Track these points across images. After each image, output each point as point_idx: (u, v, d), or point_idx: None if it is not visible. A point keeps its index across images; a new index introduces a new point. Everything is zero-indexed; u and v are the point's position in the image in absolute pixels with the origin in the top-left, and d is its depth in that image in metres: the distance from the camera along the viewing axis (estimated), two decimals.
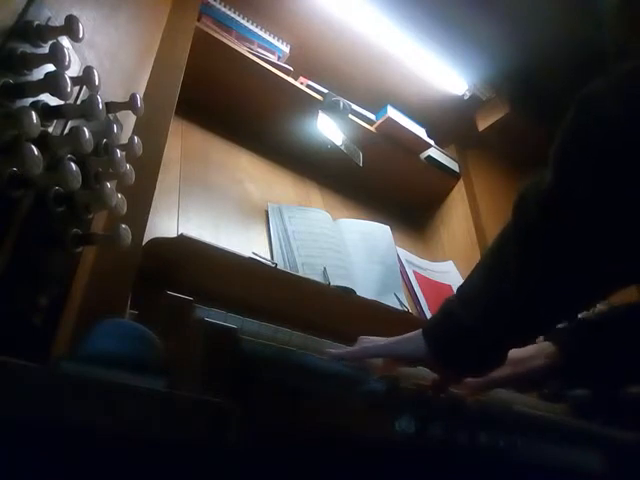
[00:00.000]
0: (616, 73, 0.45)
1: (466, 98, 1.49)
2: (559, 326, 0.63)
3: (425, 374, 0.86)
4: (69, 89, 0.45)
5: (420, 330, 0.60)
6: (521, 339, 0.57)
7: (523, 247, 0.51)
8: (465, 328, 0.54)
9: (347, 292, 0.96)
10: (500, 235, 0.55)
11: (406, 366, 0.65)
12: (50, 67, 0.46)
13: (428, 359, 0.59)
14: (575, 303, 0.53)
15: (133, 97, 0.57)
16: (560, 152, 0.48)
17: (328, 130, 1.26)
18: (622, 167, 0.43)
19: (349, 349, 0.65)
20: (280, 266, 0.93)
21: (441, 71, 1.42)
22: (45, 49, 0.47)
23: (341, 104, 1.27)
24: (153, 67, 0.87)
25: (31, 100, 0.45)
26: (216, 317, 0.60)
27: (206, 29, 1.11)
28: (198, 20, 1.11)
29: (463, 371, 0.60)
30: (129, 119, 0.71)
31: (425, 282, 1.30)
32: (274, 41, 1.32)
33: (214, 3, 1.22)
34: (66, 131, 0.51)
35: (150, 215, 0.73)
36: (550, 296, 0.51)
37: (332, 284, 0.96)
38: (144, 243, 0.71)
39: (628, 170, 0.43)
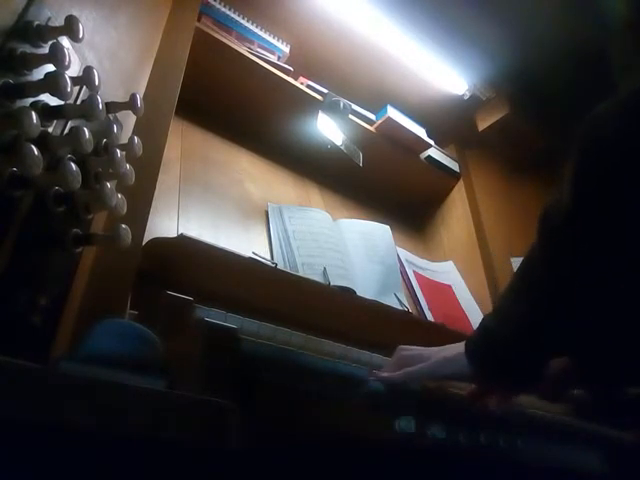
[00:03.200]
0: (625, 93, 0.47)
1: (466, 98, 1.50)
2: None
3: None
4: (69, 89, 0.45)
5: (461, 349, 0.61)
6: (555, 349, 0.58)
7: (548, 263, 0.54)
8: (503, 344, 0.57)
9: (347, 292, 0.96)
10: (527, 255, 0.58)
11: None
12: (50, 67, 0.46)
13: (475, 378, 0.61)
14: (602, 311, 0.54)
15: (133, 97, 0.57)
16: (575, 178, 0.50)
17: (328, 130, 1.26)
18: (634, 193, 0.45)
19: (394, 374, 0.65)
20: (280, 266, 0.93)
21: (441, 71, 1.42)
22: (45, 49, 0.47)
23: (341, 104, 1.27)
24: (153, 67, 0.87)
25: (31, 100, 0.45)
26: (216, 317, 0.60)
27: (206, 29, 1.11)
28: (198, 20, 1.11)
29: (512, 385, 0.62)
30: (129, 119, 0.71)
31: (425, 282, 1.30)
32: (274, 41, 1.32)
33: (214, 3, 1.22)
34: (66, 131, 0.51)
35: (150, 215, 0.73)
36: (575, 307, 0.53)
37: (332, 284, 0.95)
38: (144, 243, 0.71)
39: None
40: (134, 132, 0.73)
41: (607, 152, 0.46)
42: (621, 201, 0.47)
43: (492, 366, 0.58)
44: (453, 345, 0.64)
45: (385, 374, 0.65)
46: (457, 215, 1.51)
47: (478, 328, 0.61)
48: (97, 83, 0.51)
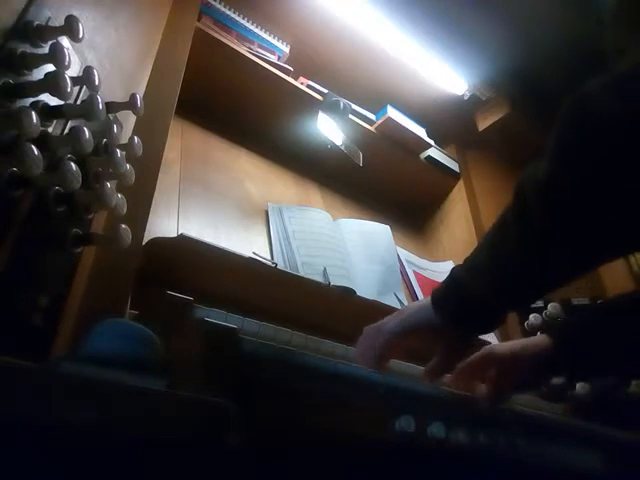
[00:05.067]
0: (614, 71, 0.47)
1: (466, 98, 1.50)
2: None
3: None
4: (69, 89, 0.45)
5: (427, 299, 0.64)
6: (521, 302, 0.64)
7: (522, 226, 0.56)
8: (471, 294, 0.60)
9: (347, 292, 0.96)
10: (502, 216, 0.61)
11: (415, 343, 0.67)
12: (50, 67, 0.46)
13: (437, 324, 0.62)
14: (568, 273, 0.59)
15: (133, 97, 0.57)
16: (557, 145, 0.52)
17: (328, 130, 1.26)
18: (618, 161, 0.46)
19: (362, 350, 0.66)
20: (280, 266, 0.93)
21: (441, 71, 1.42)
22: (45, 49, 0.47)
23: (341, 104, 1.27)
24: (153, 67, 0.87)
25: (31, 100, 0.45)
26: (216, 317, 0.60)
27: (206, 29, 1.11)
28: (198, 20, 1.11)
29: (471, 330, 0.64)
30: (129, 119, 0.71)
31: (425, 282, 1.29)
32: (274, 41, 1.32)
33: (214, 3, 1.22)
34: (66, 131, 0.51)
35: (150, 215, 0.73)
36: (544, 269, 0.57)
37: (332, 284, 0.95)
38: (144, 243, 0.71)
39: (624, 164, 0.46)
40: (134, 132, 0.73)
41: (603, 133, 0.47)
42: (612, 183, 0.48)
43: (456, 314, 0.61)
44: (414, 303, 0.66)
45: (357, 354, 0.66)
46: (457, 215, 1.51)
47: (447, 279, 0.64)
48: (97, 83, 0.51)
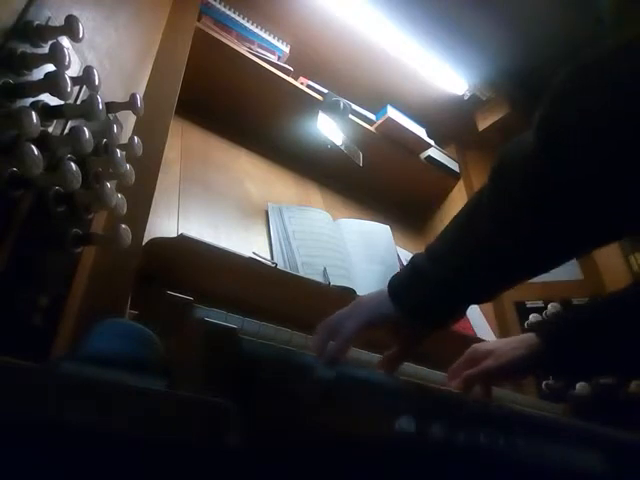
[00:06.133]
0: (612, 43, 0.43)
1: (466, 98, 1.50)
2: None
3: (424, 374, 0.86)
4: (69, 89, 0.45)
5: (382, 292, 0.60)
6: (486, 295, 0.60)
7: (500, 210, 0.52)
8: (434, 282, 0.56)
9: (347, 292, 0.96)
10: (476, 197, 0.56)
11: (372, 334, 0.63)
12: (50, 67, 0.46)
13: (395, 316, 0.59)
14: (548, 263, 0.55)
15: (133, 97, 0.57)
16: (549, 118, 0.46)
17: (328, 130, 1.26)
18: (618, 141, 0.41)
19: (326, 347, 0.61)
20: (280, 266, 0.93)
21: (441, 71, 1.42)
22: (45, 49, 0.47)
23: (341, 104, 1.27)
24: (153, 67, 0.87)
25: (31, 100, 0.45)
26: (216, 317, 0.60)
27: (206, 29, 1.11)
28: (198, 20, 1.11)
29: (429, 323, 0.61)
30: (129, 119, 0.71)
31: None
32: (274, 41, 1.32)
33: (214, 3, 1.22)
34: (66, 131, 0.51)
35: (150, 215, 0.73)
36: (523, 259, 0.54)
37: (332, 284, 0.95)
38: (144, 243, 0.71)
39: (624, 146, 0.41)
40: (134, 132, 0.73)
41: (602, 107, 0.41)
42: (612, 164, 0.42)
43: (415, 304, 0.58)
44: (369, 294, 0.63)
45: (314, 346, 0.61)
46: None
47: (406, 266, 0.60)
48: (97, 83, 0.51)
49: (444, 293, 0.57)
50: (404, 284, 0.60)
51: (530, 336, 0.68)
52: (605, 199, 0.45)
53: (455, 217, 0.60)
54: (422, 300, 0.58)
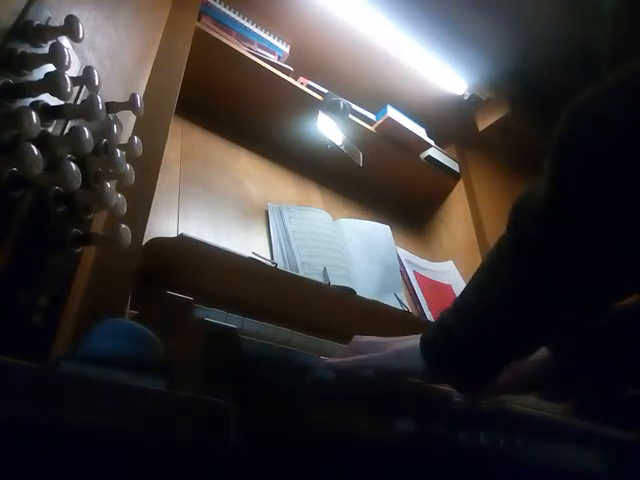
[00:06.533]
0: (613, 78, 0.43)
1: (466, 98, 1.49)
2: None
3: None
4: (69, 89, 0.45)
5: (416, 343, 0.58)
6: (516, 354, 0.55)
7: (519, 260, 0.49)
8: (458, 345, 0.53)
9: (347, 292, 0.96)
10: (495, 248, 0.54)
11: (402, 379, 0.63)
12: (50, 67, 0.46)
13: (427, 377, 0.58)
14: (576, 318, 0.51)
15: (133, 97, 0.57)
16: (556, 160, 0.46)
17: (328, 130, 1.26)
18: (623, 176, 0.41)
19: (344, 359, 0.62)
20: (280, 266, 0.93)
21: (441, 71, 1.42)
22: (45, 49, 0.47)
23: (341, 104, 1.27)
24: (153, 67, 0.87)
25: (31, 100, 0.45)
26: (216, 317, 0.60)
27: (206, 29, 1.11)
28: (198, 20, 1.11)
29: (462, 389, 0.59)
30: (129, 119, 0.71)
31: (425, 282, 1.29)
32: (274, 41, 1.32)
33: (214, 3, 1.22)
34: (66, 131, 0.51)
35: (150, 215, 0.73)
36: (546, 312, 0.50)
37: (332, 284, 0.95)
38: (144, 243, 0.71)
39: (630, 180, 0.41)
40: (134, 132, 0.73)
41: (606, 144, 0.41)
42: (619, 198, 0.42)
43: (445, 365, 0.55)
44: (409, 337, 0.60)
45: (335, 360, 0.61)
46: (457, 215, 1.51)
47: (435, 324, 0.58)
48: (97, 83, 0.51)
49: (468, 355, 0.53)
50: (433, 343, 0.57)
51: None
52: (616, 246, 0.44)
53: (478, 267, 0.56)
54: (449, 361, 0.55)
